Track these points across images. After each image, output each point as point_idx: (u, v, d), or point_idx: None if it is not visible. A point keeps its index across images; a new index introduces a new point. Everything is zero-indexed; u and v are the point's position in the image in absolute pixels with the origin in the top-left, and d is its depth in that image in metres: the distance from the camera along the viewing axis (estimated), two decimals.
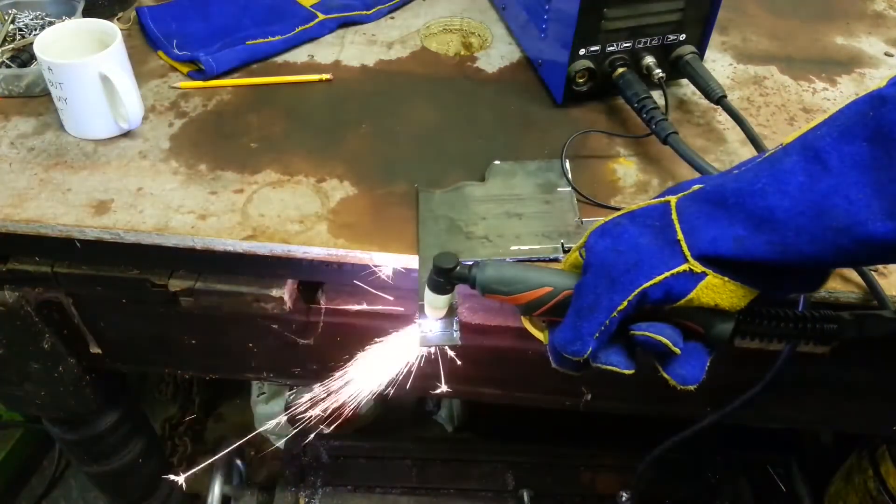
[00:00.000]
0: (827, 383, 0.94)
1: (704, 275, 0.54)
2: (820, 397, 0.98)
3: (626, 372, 0.58)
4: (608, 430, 1.57)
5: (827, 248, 0.49)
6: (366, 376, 0.83)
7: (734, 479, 1.37)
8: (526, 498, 1.34)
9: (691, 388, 0.57)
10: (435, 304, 0.67)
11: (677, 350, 0.56)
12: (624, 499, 1.33)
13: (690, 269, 0.54)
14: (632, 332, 0.57)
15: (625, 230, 0.57)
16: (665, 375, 0.58)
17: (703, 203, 0.55)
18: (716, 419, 0.85)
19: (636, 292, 0.54)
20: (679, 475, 1.39)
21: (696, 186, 0.57)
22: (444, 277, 0.63)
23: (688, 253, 0.54)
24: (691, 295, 0.55)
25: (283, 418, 1.77)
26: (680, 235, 0.55)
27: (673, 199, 0.57)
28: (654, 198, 0.59)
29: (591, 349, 0.56)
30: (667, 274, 0.54)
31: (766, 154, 0.55)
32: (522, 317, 0.65)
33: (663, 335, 0.56)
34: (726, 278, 0.54)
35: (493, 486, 1.38)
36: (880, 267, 0.77)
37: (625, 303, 0.54)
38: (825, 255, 0.50)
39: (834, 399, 0.98)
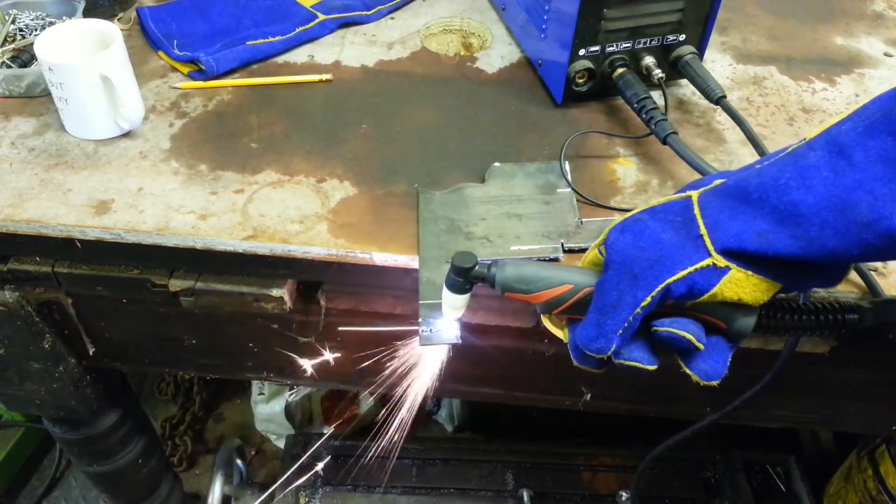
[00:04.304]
0: (827, 383, 0.94)
1: (728, 269, 0.54)
2: (820, 397, 0.98)
3: (650, 368, 0.57)
4: (608, 430, 1.57)
5: (851, 242, 0.49)
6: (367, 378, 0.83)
7: (734, 479, 1.37)
8: (526, 498, 1.34)
9: (714, 383, 0.57)
10: (454, 304, 0.67)
11: (701, 346, 0.56)
12: (624, 499, 1.34)
13: (714, 264, 0.54)
14: (655, 328, 0.56)
15: (646, 226, 0.56)
16: (688, 371, 0.57)
17: (726, 198, 0.55)
18: (716, 419, 0.85)
19: (659, 288, 0.54)
20: (679, 475, 1.39)
21: (717, 181, 0.57)
22: (463, 277, 0.63)
23: (711, 248, 0.54)
24: (714, 290, 0.54)
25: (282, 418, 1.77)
26: (703, 230, 0.54)
27: (694, 194, 0.57)
28: (675, 193, 0.59)
29: (614, 346, 0.56)
30: (690, 269, 0.54)
31: (790, 149, 0.54)
32: (542, 315, 0.64)
33: (687, 331, 0.55)
34: (750, 272, 0.54)
35: (493, 486, 1.38)
36: (880, 267, 0.77)
37: (648, 299, 0.54)
38: (849, 249, 0.50)
39: (834, 399, 0.98)
